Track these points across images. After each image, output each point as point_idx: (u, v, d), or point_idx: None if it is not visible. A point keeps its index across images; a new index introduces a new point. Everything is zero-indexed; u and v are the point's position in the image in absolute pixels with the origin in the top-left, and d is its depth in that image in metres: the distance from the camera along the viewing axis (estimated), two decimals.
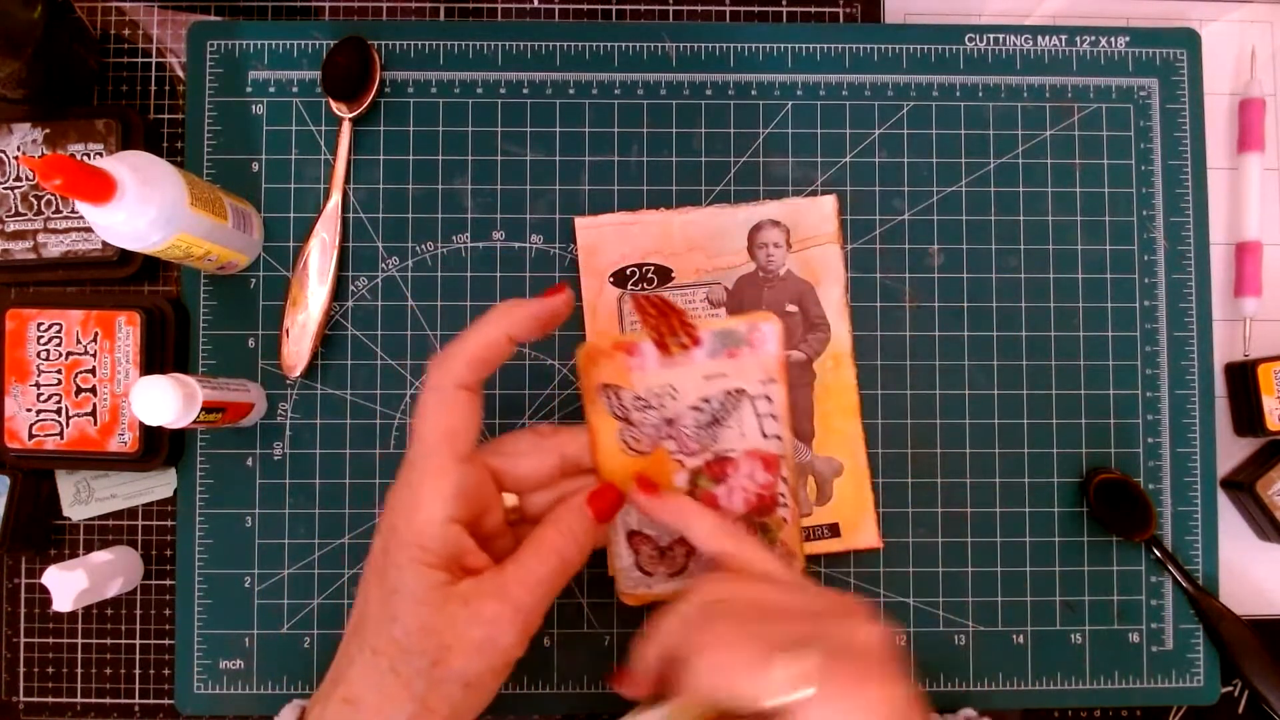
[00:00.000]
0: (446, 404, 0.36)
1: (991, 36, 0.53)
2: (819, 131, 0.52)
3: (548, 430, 0.40)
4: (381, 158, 0.51)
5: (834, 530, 0.49)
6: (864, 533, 0.49)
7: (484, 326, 0.36)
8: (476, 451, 0.37)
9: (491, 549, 0.37)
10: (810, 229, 0.50)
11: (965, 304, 0.51)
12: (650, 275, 0.50)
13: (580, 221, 0.50)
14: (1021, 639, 0.50)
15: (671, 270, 0.50)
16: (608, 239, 0.50)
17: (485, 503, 0.37)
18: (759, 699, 0.31)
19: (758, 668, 0.32)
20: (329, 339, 0.50)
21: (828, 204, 0.50)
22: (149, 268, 0.50)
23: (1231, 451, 0.52)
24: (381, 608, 0.34)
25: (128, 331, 0.47)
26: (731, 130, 0.52)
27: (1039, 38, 0.53)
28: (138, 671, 0.50)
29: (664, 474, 0.41)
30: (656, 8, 0.54)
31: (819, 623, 0.34)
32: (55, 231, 0.49)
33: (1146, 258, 0.52)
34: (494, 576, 0.35)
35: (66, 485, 0.50)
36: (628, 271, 0.50)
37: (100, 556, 0.47)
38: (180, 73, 0.52)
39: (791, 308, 0.50)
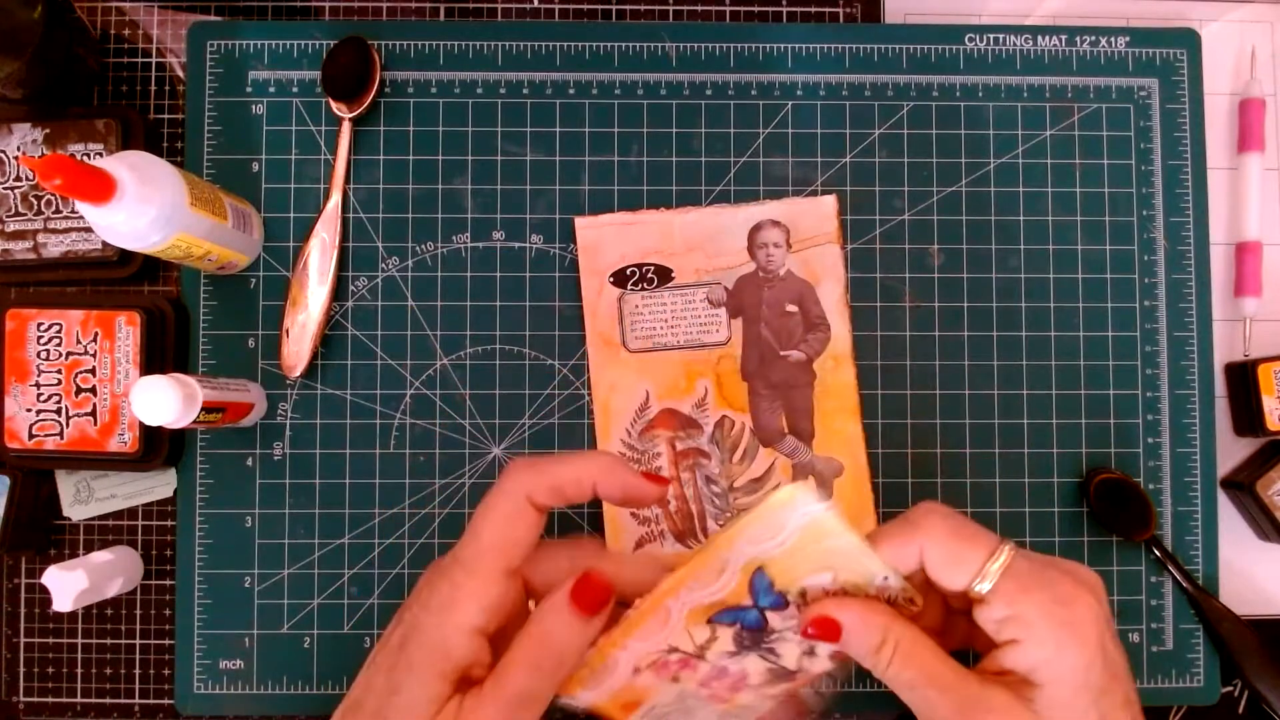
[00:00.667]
0: (518, 514, 0.33)
1: (991, 36, 0.53)
2: (819, 131, 0.52)
3: (588, 550, 0.36)
4: (381, 158, 0.51)
5: None
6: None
7: (581, 462, 0.34)
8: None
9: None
10: (810, 229, 0.50)
11: (965, 304, 0.51)
12: (650, 275, 0.50)
13: (580, 221, 0.50)
14: None
15: (671, 270, 0.50)
16: (608, 239, 0.50)
17: (516, 616, 0.34)
18: (971, 575, 0.32)
19: (984, 549, 0.33)
20: (329, 339, 0.50)
21: (828, 204, 0.50)
22: (149, 268, 0.50)
23: (1231, 451, 0.52)
24: (379, 706, 0.32)
25: (128, 331, 0.47)
26: (731, 130, 0.52)
27: (1039, 38, 0.53)
28: (138, 671, 0.50)
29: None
30: (656, 8, 0.54)
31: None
32: (55, 231, 0.49)
33: (1146, 258, 0.52)
34: (474, 698, 0.32)
35: (66, 485, 0.50)
36: (628, 271, 0.50)
37: (100, 556, 0.47)
38: (180, 73, 0.52)
39: (791, 307, 0.50)
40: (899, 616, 0.33)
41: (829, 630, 0.33)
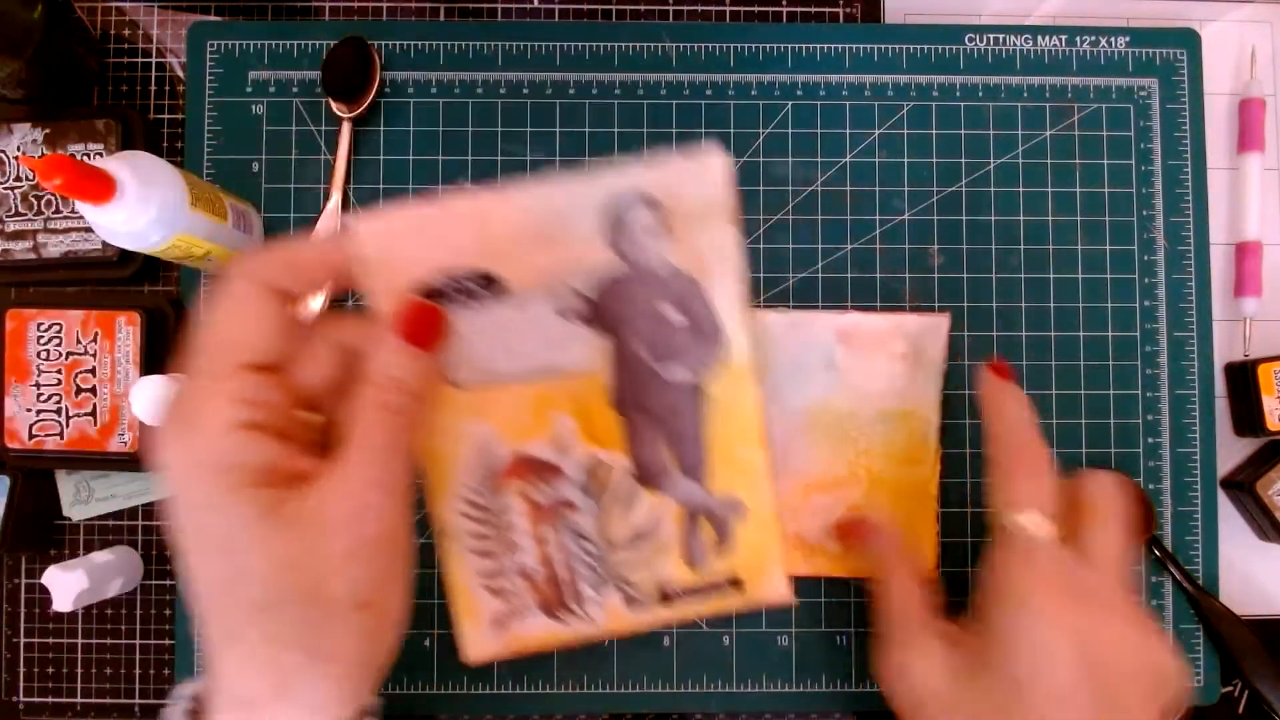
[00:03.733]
0: (251, 299, 0.28)
1: (991, 36, 0.53)
2: (819, 131, 0.52)
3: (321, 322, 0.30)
4: (381, 158, 0.51)
5: (736, 584, 0.39)
6: (770, 582, 0.39)
7: (330, 241, 0.29)
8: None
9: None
10: (692, 203, 0.34)
11: (965, 304, 0.51)
12: (471, 286, 0.33)
13: (359, 227, 0.31)
14: None
15: (500, 276, 0.34)
16: (402, 243, 0.32)
17: (284, 402, 0.29)
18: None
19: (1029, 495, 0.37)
20: None
21: (715, 168, 0.34)
22: (149, 268, 0.50)
23: (1231, 451, 0.52)
24: (215, 573, 0.27)
25: (128, 331, 0.47)
26: (731, 130, 0.52)
27: (1039, 38, 0.53)
28: (138, 671, 0.50)
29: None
30: (656, 8, 0.54)
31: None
32: (55, 231, 0.49)
33: (1146, 258, 0.52)
34: (329, 471, 0.28)
35: (66, 485, 0.50)
36: (438, 285, 0.33)
37: (100, 556, 0.47)
38: (180, 73, 0.52)
39: (673, 314, 0.36)
40: None
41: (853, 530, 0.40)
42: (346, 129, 0.51)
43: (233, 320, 0.28)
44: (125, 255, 0.49)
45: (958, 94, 0.52)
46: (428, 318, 0.29)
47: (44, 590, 0.46)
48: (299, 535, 0.26)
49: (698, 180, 0.34)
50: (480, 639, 0.38)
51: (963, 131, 0.52)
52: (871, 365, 0.39)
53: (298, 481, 0.27)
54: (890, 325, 0.40)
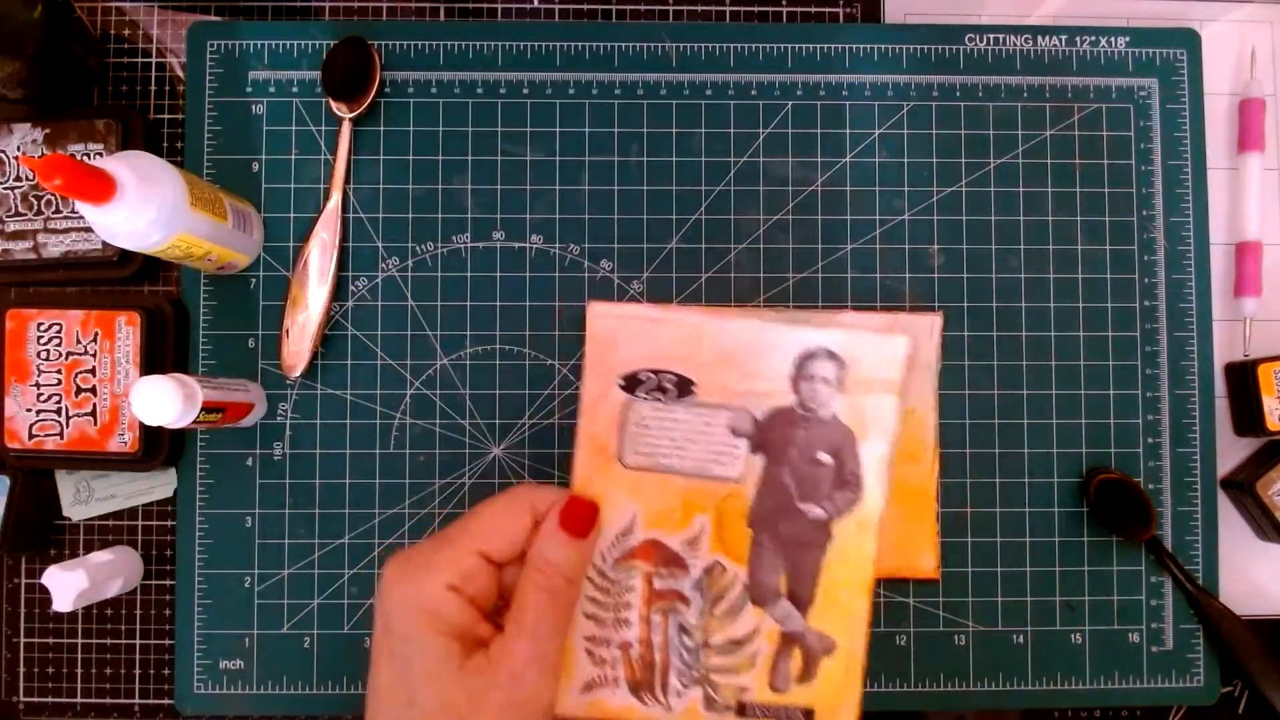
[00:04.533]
0: (512, 510, 0.35)
1: (991, 36, 0.53)
2: (819, 131, 0.52)
3: (543, 495, 0.37)
4: (381, 158, 0.51)
5: (808, 715, 0.42)
6: None
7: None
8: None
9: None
10: (870, 371, 0.41)
11: (965, 304, 0.51)
12: (668, 385, 0.42)
13: (596, 308, 0.42)
14: (1021, 639, 0.50)
15: (694, 383, 0.42)
16: (625, 334, 0.42)
17: (489, 591, 0.35)
18: None
19: None
20: (329, 339, 0.50)
21: (899, 345, 0.41)
22: (149, 268, 0.50)
23: (1231, 451, 0.52)
24: (394, 690, 0.33)
25: (128, 331, 0.47)
26: (731, 130, 0.52)
27: (1039, 38, 0.53)
28: (138, 671, 0.50)
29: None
30: (656, 8, 0.54)
31: None
32: (55, 231, 0.49)
33: (1146, 258, 0.52)
34: (499, 641, 0.34)
35: (66, 485, 0.50)
36: (641, 376, 0.42)
37: (100, 556, 0.47)
38: (180, 73, 0.52)
39: (825, 457, 0.42)
40: None
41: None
42: (346, 129, 0.51)
43: (494, 520, 0.35)
44: (125, 255, 0.49)
45: (958, 94, 0.52)
46: (584, 512, 0.35)
47: (44, 590, 0.46)
48: (466, 686, 0.32)
49: (881, 354, 0.41)
50: (567, 698, 0.41)
51: (963, 131, 0.52)
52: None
53: (479, 645, 0.34)
54: (885, 323, 0.41)
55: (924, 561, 0.49)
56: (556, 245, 0.51)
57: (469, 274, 0.51)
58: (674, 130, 0.52)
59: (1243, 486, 0.50)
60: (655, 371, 0.42)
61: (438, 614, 0.33)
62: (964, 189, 0.52)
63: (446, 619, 0.33)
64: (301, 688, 0.49)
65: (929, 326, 0.45)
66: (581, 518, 0.35)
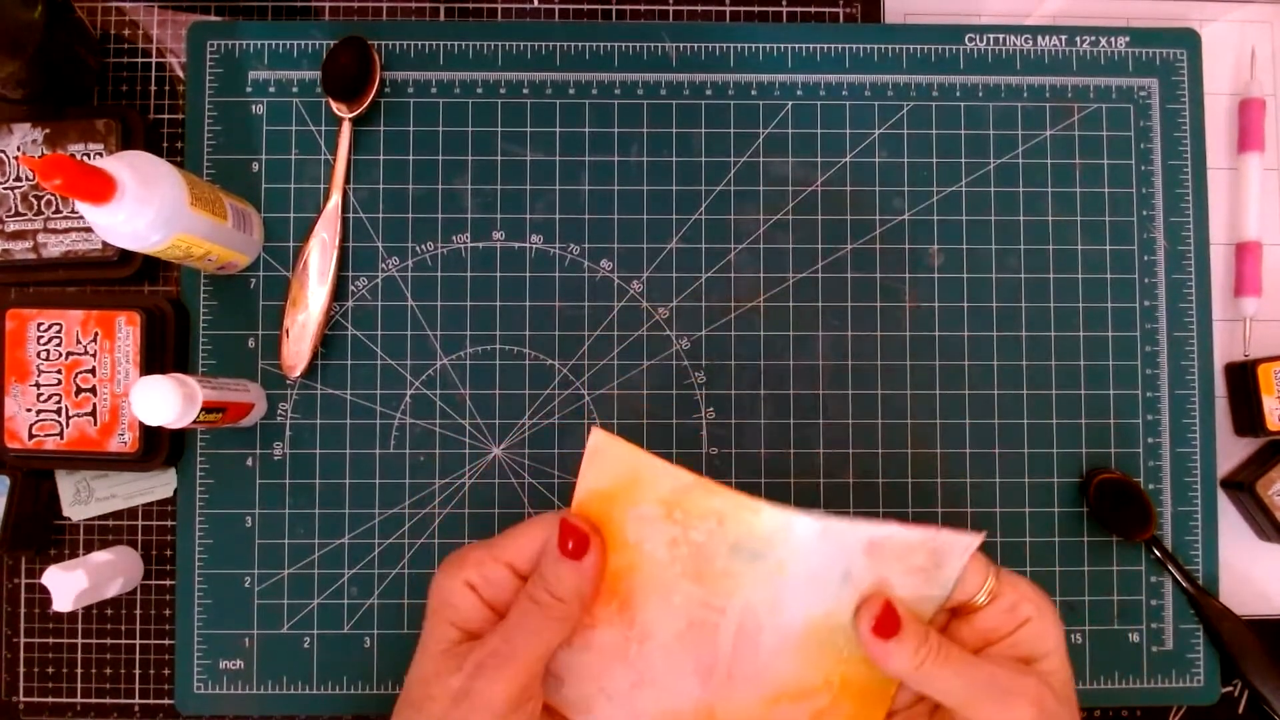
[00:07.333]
0: (539, 531, 0.36)
1: (991, 36, 0.53)
2: (819, 131, 0.52)
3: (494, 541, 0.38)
4: (381, 158, 0.51)
5: None
6: None
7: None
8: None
9: None
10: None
11: (965, 304, 0.51)
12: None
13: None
14: None
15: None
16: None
17: (508, 598, 0.37)
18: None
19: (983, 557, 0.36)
20: (329, 339, 0.50)
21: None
22: (149, 268, 0.50)
23: (1231, 451, 0.52)
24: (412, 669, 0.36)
25: (128, 331, 0.47)
26: (731, 130, 0.52)
27: (1039, 38, 0.53)
28: (138, 671, 0.50)
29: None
30: (656, 8, 0.54)
31: None
32: (55, 231, 0.49)
33: (1146, 258, 0.52)
34: (485, 635, 0.35)
35: (66, 485, 0.50)
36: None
37: (100, 556, 0.47)
38: (180, 73, 0.52)
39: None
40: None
41: (890, 625, 0.35)
42: (346, 129, 0.51)
43: (524, 535, 0.36)
44: (125, 255, 0.49)
45: (958, 94, 0.52)
46: (579, 536, 0.35)
47: (44, 590, 0.46)
48: (439, 665, 0.35)
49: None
50: None
51: (963, 131, 0.52)
52: (883, 576, 0.36)
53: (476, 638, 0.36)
54: (920, 539, 0.36)
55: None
56: (556, 245, 0.51)
57: (469, 274, 0.51)
58: (674, 130, 0.52)
59: (1243, 486, 0.50)
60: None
61: (450, 604, 0.35)
62: (964, 189, 0.52)
63: (456, 609, 0.35)
64: (301, 688, 0.49)
65: (964, 548, 0.36)
66: (579, 541, 0.36)
